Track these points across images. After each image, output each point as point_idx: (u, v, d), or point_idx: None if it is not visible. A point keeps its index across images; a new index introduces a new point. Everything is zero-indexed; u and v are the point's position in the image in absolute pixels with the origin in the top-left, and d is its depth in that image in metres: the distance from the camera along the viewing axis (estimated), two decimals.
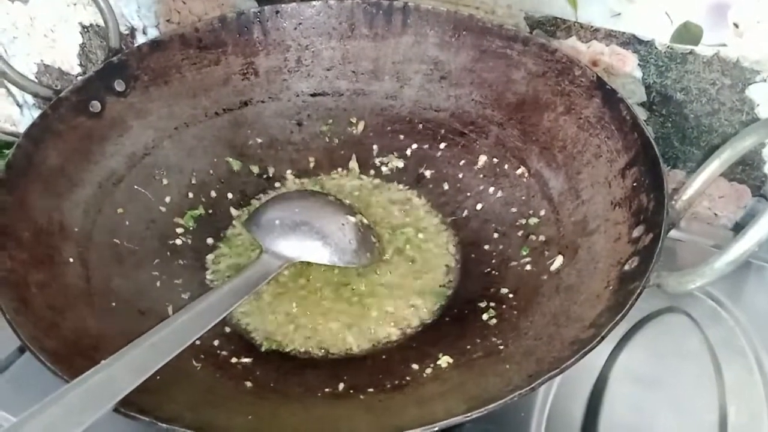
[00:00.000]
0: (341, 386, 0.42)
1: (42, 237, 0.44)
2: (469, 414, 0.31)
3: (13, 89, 0.96)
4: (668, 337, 0.53)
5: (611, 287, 0.39)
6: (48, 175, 0.47)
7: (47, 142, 0.48)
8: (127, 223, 0.50)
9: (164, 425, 0.32)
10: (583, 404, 0.48)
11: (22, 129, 0.97)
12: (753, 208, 0.59)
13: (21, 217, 0.43)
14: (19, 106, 0.98)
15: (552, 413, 0.47)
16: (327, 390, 0.41)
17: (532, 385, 0.32)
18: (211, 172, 0.57)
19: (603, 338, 0.34)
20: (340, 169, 0.60)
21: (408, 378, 0.42)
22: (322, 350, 0.47)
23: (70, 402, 0.30)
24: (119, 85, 0.53)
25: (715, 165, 0.40)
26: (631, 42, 0.55)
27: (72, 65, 0.88)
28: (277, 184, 0.59)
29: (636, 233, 0.41)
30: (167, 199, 0.54)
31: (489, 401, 0.32)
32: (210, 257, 0.53)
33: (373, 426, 0.34)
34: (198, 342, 0.43)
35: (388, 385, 0.41)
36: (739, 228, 0.61)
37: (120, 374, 0.33)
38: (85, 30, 0.83)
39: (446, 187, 0.57)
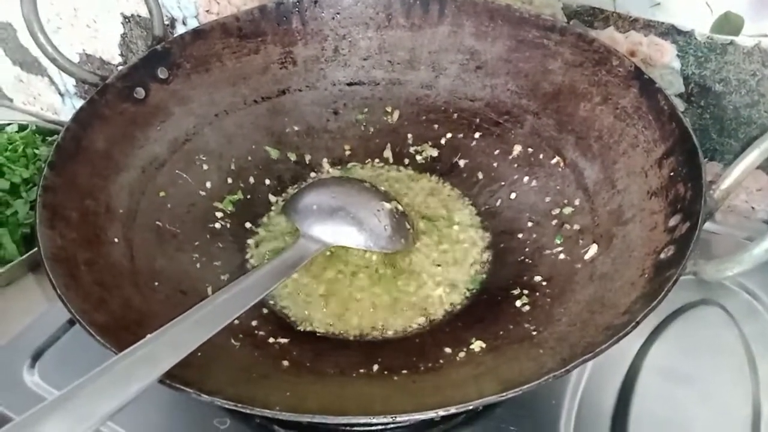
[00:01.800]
0: (375, 367, 0.43)
1: (89, 217, 0.45)
2: (504, 394, 0.32)
3: (56, 78, 0.98)
4: (702, 329, 0.53)
5: (646, 275, 0.39)
6: (95, 158, 0.49)
7: (94, 127, 0.49)
8: (168, 206, 0.52)
9: (207, 398, 0.33)
10: (614, 394, 0.48)
11: (63, 117, 1.00)
12: None
13: (70, 198, 0.45)
14: (61, 95, 1.00)
15: (583, 402, 0.48)
16: (362, 371, 0.42)
17: (567, 368, 0.32)
18: (250, 158, 0.58)
19: (638, 324, 0.34)
20: (376, 160, 0.61)
21: (441, 361, 0.42)
22: (357, 333, 0.48)
23: (118, 373, 0.32)
24: (162, 73, 0.55)
25: (754, 155, 0.40)
26: (669, 32, 0.54)
27: (113, 55, 0.90)
28: (313, 173, 0.60)
29: (672, 222, 0.41)
30: (207, 184, 0.55)
31: (522, 383, 0.32)
32: (250, 241, 0.54)
33: (408, 405, 0.35)
34: (237, 321, 0.45)
35: (422, 368, 0.42)
36: None
37: (164, 349, 0.34)
38: (127, 20, 0.84)
39: (480, 176, 0.57)
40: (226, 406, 0.32)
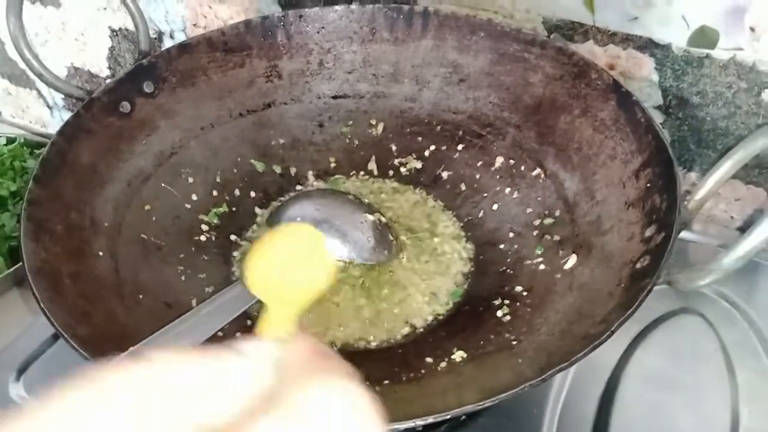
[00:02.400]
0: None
1: (74, 231, 0.46)
2: (482, 403, 0.32)
3: (44, 91, 0.99)
4: (682, 337, 0.53)
5: (623, 285, 0.40)
6: (80, 171, 0.49)
7: (80, 141, 0.50)
8: (154, 218, 0.52)
9: None
10: (595, 402, 0.49)
11: (51, 130, 1.01)
12: None
13: (55, 212, 0.45)
14: (50, 107, 1.01)
15: (565, 410, 0.48)
16: None
17: (543, 377, 0.33)
18: (235, 171, 0.59)
19: (613, 333, 0.35)
20: (361, 173, 0.62)
21: (423, 371, 0.43)
22: (341, 344, 0.48)
23: None
24: (148, 87, 0.55)
25: (727, 166, 0.40)
26: (647, 46, 0.55)
27: (101, 68, 0.90)
28: (298, 186, 0.61)
29: (648, 233, 0.42)
30: (193, 197, 0.56)
31: (500, 392, 0.33)
32: (235, 254, 0.54)
33: (388, 414, 0.35)
34: (221, 333, 0.45)
35: (404, 378, 0.42)
36: None
37: None
38: (115, 34, 0.85)
39: (463, 187, 0.58)
40: None
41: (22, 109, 1.03)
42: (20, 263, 0.65)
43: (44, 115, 1.02)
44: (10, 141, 0.85)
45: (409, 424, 0.32)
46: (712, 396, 0.49)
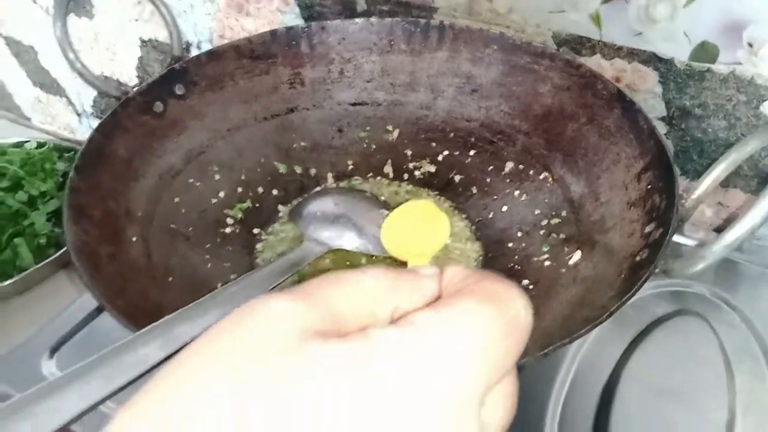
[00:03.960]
0: None
1: (111, 218, 0.49)
2: None
3: (74, 99, 1.03)
4: (681, 340, 0.55)
5: (623, 276, 0.43)
6: (116, 164, 0.52)
7: (116, 137, 0.54)
8: (182, 211, 0.55)
9: None
10: (595, 401, 0.50)
11: (80, 136, 1.05)
12: None
13: (93, 199, 0.49)
14: (78, 114, 1.05)
15: (565, 408, 0.50)
16: None
17: (545, 351, 0.36)
18: (259, 170, 0.62)
19: (611, 314, 0.37)
20: (378, 177, 0.65)
21: None
22: None
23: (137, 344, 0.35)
24: (179, 89, 0.59)
25: (721, 167, 0.43)
26: (651, 60, 0.58)
27: (131, 77, 0.94)
28: (317, 186, 0.64)
29: (648, 229, 0.45)
30: (219, 192, 0.59)
31: None
32: (258, 246, 0.57)
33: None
34: None
35: None
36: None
37: (179, 324, 0.37)
38: (144, 44, 0.89)
39: (474, 190, 0.61)
40: None
41: (52, 116, 1.08)
42: (49, 258, 0.69)
43: (72, 122, 1.06)
44: (41, 145, 0.89)
45: None
46: (709, 399, 0.50)
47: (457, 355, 0.20)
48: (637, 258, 0.43)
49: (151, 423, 0.19)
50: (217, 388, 0.19)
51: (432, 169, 0.63)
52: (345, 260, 0.55)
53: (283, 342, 0.20)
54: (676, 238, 0.57)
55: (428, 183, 0.63)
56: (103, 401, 0.29)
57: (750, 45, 0.54)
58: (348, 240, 0.53)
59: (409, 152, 0.64)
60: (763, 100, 0.55)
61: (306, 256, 0.50)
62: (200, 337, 0.21)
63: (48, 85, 1.02)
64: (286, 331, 0.20)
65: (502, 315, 0.22)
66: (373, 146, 0.65)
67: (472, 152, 0.62)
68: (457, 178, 0.62)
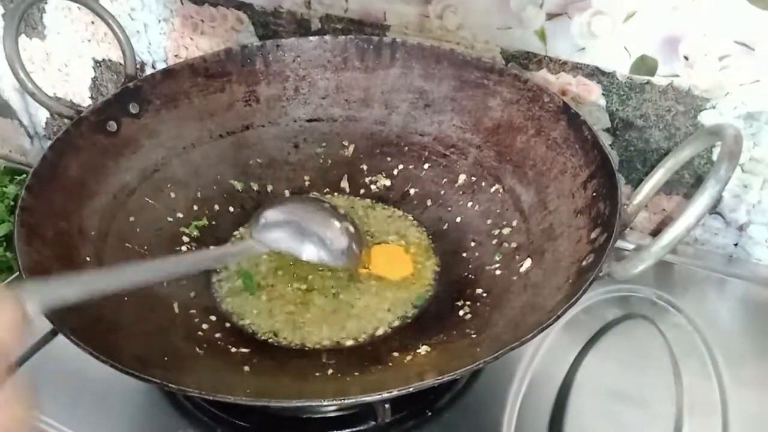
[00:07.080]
0: (330, 371, 0.46)
1: (63, 237, 0.49)
2: (441, 377, 0.36)
3: (26, 121, 1.02)
4: (631, 343, 0.56)
5: (570, 280, 0.44)
6: (69, 184, 0.52)
7: (69, 156, 0.53)
8: (137, 230, 0.55)
9: (174, 387, 0.36)
10: (550, 406, 0.51)
11: (31, 159, 1.03)
12: (710, 225, 0.64)
13: (45, 219, 0.48)
14: (30, 137, 1.04)
15: (522, 410, 0.51)
16: (317, 374, 0.46)
17: (495, 355, 0.37)
18: (215, 187, 0.62)
19: (558, 317, 0.39)
20: (336, 193, 0.66)
21: (390, 363, 0.46)
22: (312, 344, 0.51)
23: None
24: (134, 108, 0.59)
25: (659, 174, 0.45)
26: (595, 73, 0.61)
27: (84, 98, 0.94)
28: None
29: (594, 235, 0.46)
30: (174, 210, 0.59)
31: (457, 368, 0.37)
32: None
33: (358, 390, 0.38)
34: (201, 333, 0.49)
35: (372, 370, 0.46)
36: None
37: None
38: (98, 64, 0.89)
39: (429, 203, 0.62)
40: (191, 394, 0.35)
41: (3, 138, 1.06)
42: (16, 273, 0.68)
43: (25, 144, 1.04)
44: None
45: (375, 397, 0.35)
46: (659, 398, 0.51)
47: None
48: (584, 263, 0.44)
49: None
50: None
51: (388, 183, 0.65)
52: (301, 276, 0.56)
53: None
54: (620, 243, 0.59)
55: (384, 197, 0.64)
56: None
57: (686, 58, 0.56)
58: (296, 245, 0.52)
59: (364, 167, 0.65)
60: (701, 110, 0.58)
61: (243, 252, 0.52)
62: None
63: None
64: None
65: None
66: (330, 162, 0.66)
67: (426, 166, 0.63)
68: (413, 191, 0.64)
